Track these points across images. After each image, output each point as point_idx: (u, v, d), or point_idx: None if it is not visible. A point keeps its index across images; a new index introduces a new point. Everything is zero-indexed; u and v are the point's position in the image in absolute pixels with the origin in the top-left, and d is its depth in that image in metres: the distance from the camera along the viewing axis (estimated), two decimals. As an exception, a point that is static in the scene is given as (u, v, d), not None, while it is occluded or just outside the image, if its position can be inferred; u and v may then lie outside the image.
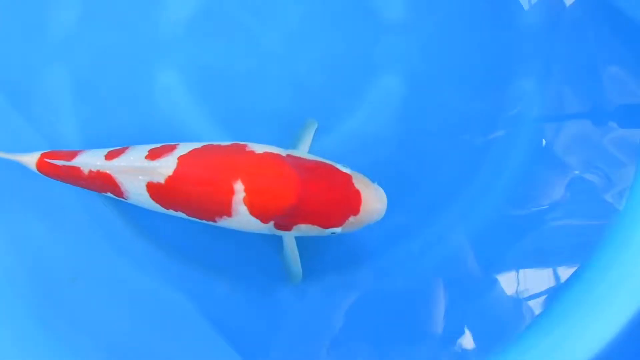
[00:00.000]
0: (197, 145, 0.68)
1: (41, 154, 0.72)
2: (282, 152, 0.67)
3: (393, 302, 0.76)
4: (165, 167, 0.66)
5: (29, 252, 0.75)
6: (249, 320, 0.75)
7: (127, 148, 0.70)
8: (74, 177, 0.70)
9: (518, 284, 0.75)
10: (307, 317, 0.75)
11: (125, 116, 0.79)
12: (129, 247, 0.76)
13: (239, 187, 0.64)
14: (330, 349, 0.74)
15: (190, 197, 0.66)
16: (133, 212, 0.76)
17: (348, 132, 0.78)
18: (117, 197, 0.71)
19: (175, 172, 0.65)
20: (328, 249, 0.76)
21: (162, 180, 0.66)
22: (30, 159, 0.71)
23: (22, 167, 0.72)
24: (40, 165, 0.71)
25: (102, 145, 0.72)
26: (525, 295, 0.75)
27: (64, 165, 0.70)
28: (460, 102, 0.79)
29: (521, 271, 0.76)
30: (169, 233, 0.76)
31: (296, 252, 0.71)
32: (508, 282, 0.75)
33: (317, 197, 0.64)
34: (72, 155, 0.71)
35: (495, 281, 0.75)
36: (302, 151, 0.71)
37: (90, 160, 0.69)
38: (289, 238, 0.70)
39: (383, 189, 0.66)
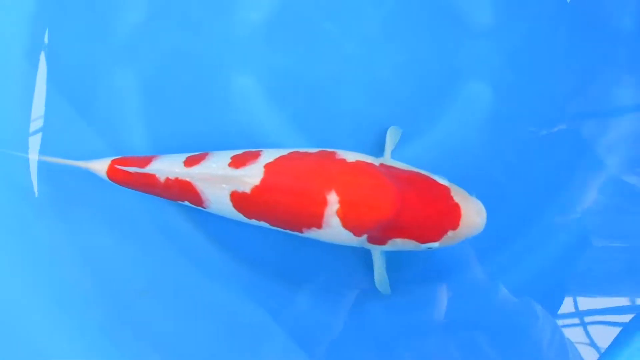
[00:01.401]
0: (283, 152, 0.65)
1: (112, 161, 0.68)
2: (375, 160, 0.64)
3: (478, 316, 0.73)
4: (252, 175, 0.63)
5: (98, 263, 0.73)
6: (331, 335, 0.71)
7: (206, 154, 0.67)
8: (148, 185, 0.67)
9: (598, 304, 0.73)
10: (392, 332, 0.72)
11: (196, 121, 0.75)
12: (202, 257, 0.73)
13: (332, 198, 0.60)
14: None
15: (277, 208, 0.63)
16: (207, 221, 0.73)
17: (432, 140, 0.74)
18: (194, 206, 0.67)
19: (262, 181, 0.62)
20: (412, 263, 0.72)
21: (247, 190, 0.63)
22: (101, 166, 0.68)
23: (89, 175, 0.69)
24: (111, 172, 0.68)
25: (170, 152, 0.69)
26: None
27: (136, 172, 0.67)
28: (549, 110, 0.75)
29: (604, 291, 0.73)
30: (246, 243, 0.73)
31: (384, 266, 0.68)
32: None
33: (415, 211, 0.61)
34: (146, 161, 0.67)
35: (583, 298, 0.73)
36: (386, 159, 0.68)
37: (167, 168, 0.66)
38: (379, 252, 0.67)
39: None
